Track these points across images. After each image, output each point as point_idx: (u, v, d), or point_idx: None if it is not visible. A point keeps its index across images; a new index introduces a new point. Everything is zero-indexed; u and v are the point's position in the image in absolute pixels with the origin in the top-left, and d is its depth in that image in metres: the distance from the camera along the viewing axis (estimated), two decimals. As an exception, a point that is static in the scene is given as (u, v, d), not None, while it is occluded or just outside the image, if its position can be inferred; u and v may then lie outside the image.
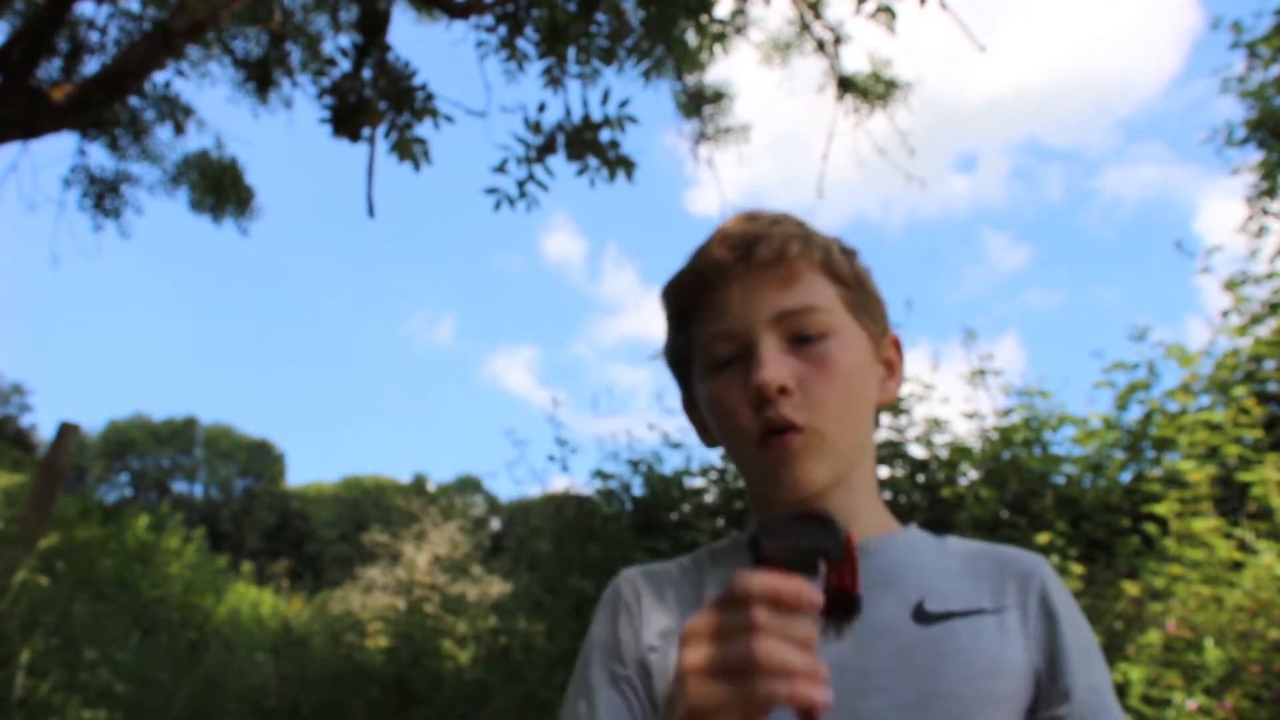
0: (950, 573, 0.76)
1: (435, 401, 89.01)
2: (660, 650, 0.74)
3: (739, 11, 6.96)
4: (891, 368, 0.83)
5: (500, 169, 4.50)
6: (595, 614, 0.81)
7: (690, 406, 0.86)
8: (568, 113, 4.77)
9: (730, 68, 36.90)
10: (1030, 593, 0.75)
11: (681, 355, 0.83)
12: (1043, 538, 3.35)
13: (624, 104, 4.55)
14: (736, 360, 0.75)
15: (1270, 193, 8.37)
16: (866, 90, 6.77)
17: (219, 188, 7.83)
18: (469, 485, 39.73)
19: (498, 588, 6.63)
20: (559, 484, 5.26)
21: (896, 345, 0.84)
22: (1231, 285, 4.06)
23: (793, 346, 0.74)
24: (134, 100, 7.45)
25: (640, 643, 0.75)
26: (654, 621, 0.76)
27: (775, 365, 0.72)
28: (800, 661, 0.49)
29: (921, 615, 0.72)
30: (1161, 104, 79.68)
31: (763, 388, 0.72)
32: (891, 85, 6.80)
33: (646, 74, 5.41)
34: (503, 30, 4.99)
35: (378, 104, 4.81)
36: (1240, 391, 3.54)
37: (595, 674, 0.75)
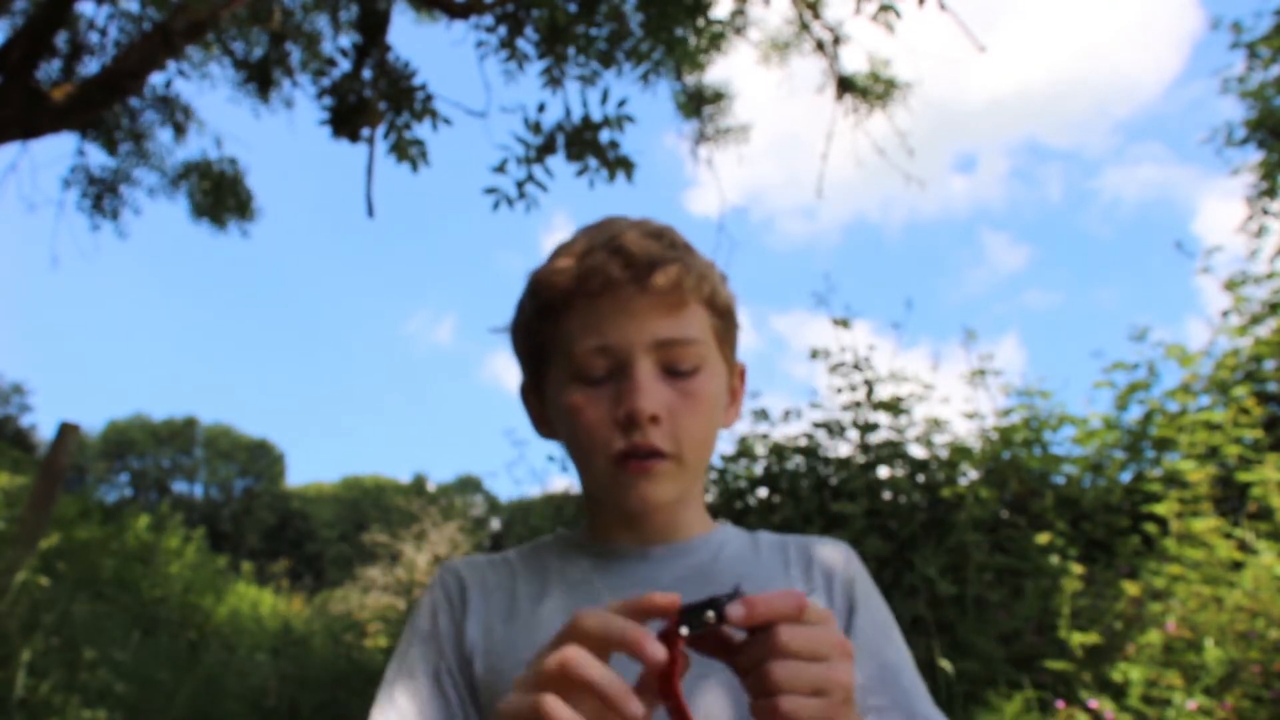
0: (763, 563, 0.81)
1: (435, 401, 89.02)
2: (479, 643, 0.77)
3: (738, 11, 6.96)
4: (734, 395, 0.86)
5: (500, 169, 4.50)
6: (419, 603, 0.83)
7: (531, 392, 0.87)
8: (567, 113, 4.78)
9: (730, 68, 36.90)
10: (835, 577, 0.80)
11: (539, 344, 0.82)
12: (1043, 538, 3.35)
13: (622, 104, 4.55)
14: (607, 377, 0.76)
15: (1270, 193, 8.37)
16: (866, 90, 6.77)
17: (219, 193, 7.83)
18: (469, 485, 39.74)
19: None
20: (559, 484, 5.27)
21: (741, 375, 0.88)
22: (1231, 285, 4.06)
23: (666, 375, 0.76)
24: (134, 101, 7.45)
25: (463, 635, 0.78)
26: (475, 613, 0.79)
27: (651, 394, 0.74)
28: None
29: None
30: (1162, 105, 79.67)
31: (637, 414, 0.73)
32: (891, 85, 6.80)
33: (645, 76, 5.41)
34: (503, 30, 4.99)
35: (377, 104, 4.81)
36: (1240, 391, 3.54)
37: (417, 665, 0.77)
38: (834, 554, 0.82)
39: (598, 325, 0.76)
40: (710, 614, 0.52)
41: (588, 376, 0.77)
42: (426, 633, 0.79)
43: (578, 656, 0.51)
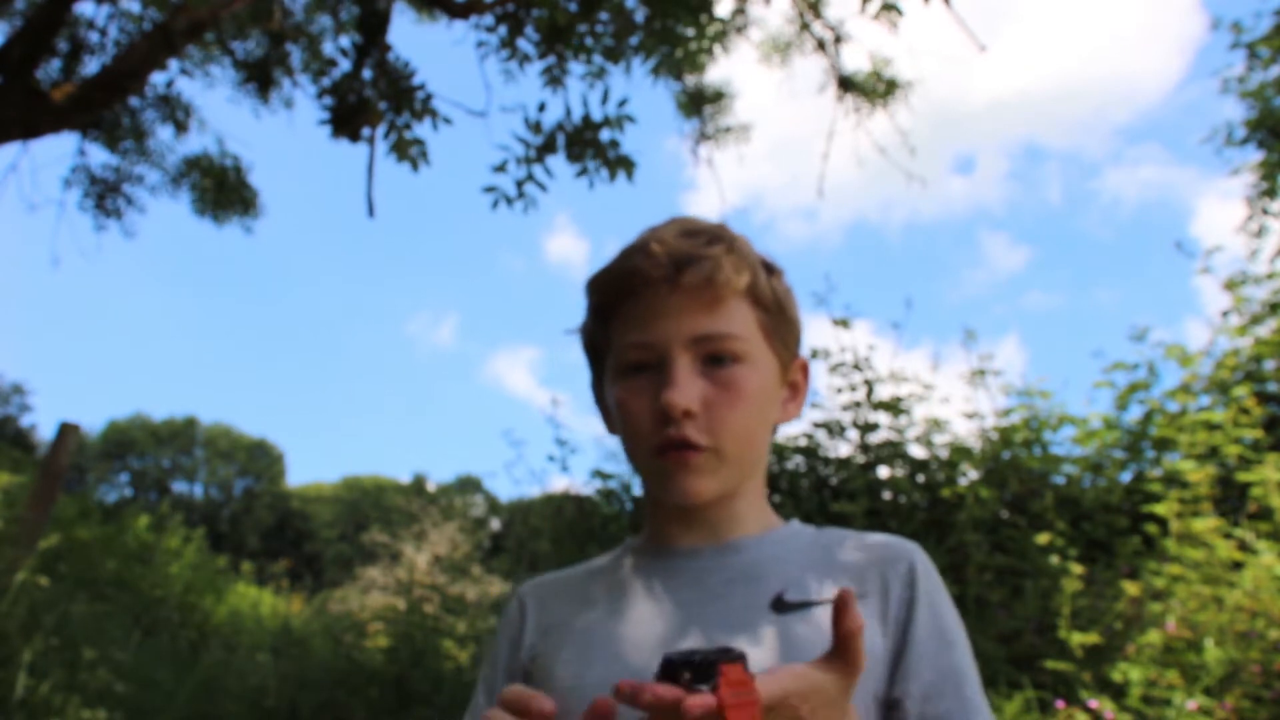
0: (815, 565, 0.80)
1: (436, 402, 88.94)
2: (535, 646, 0.84)
3: (739, 11, 6.96)
4: (796, 389, 0.88)
5: (500, 169, 4.50)
6: (497, 630, 0.91)
7: (598, 390, 0.91)
8: (568, 113, 4.77)
9: (731, 69, 36.91)
10: (894, 579, 0.78)
11: (598, 345, 0.87)
12: (1043, 538, 3.35)
13: (623, 103, 4.55)
14: (649, 370, 0.79)
15: (1270, 193, 8.38)
16: (867, 90, 6.77)
17: (221, 190, 7.82)
18: (469, 485, 39.73)
19: (498, 588, 6.63)
20: (559, 484, 5.27)
21: (804, 369, 0.89)
22: (1231, 285, 4.06)
23: (704, 368, 0.79)
24: (135, 100, 7.45)
25: (519, 647, 0.85)
26: (530, 624, 0.86)
27: (684, 387, 0.76)
28: None
29: (780, 605, 0.76)
30: (1163, 110, 79.57)
31: (669, 408, 0.76)
32: (892, 85, 6.80)
33: (655, 70, 5.39)
34: (503, 30, 4.99)
35: (377, 104, 4.81)
36: (1240, 391, 3.54)
37: (480, 683, 0.87)
38: (895, 552, 0.80)
39: (638, 323, 0.80)
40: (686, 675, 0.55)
41: (631, 372, 0.80)
42: (490, 656, 0.88)
43: None
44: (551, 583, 0.90)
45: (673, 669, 0.56)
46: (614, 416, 0.84)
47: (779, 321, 0.84)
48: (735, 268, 0.79)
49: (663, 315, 0.78)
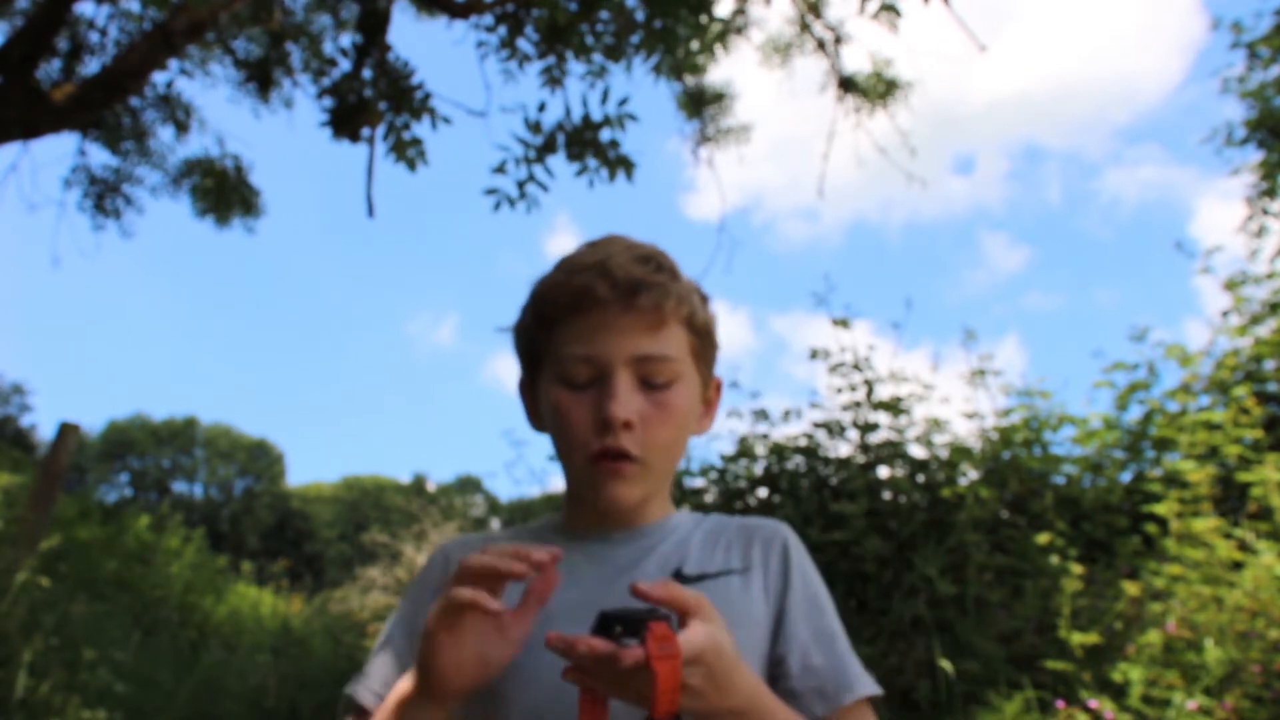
0: (705, 543, 0.92)
1: (435, 402, 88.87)
2: None
3: (739, 11, 6.96)
4: (709, 406, 0.97)
5: (500, 170, 4.50)
6: (409, 584, 0.96)
7: (527, 388, 0.97)
8: (568, 113, 4.77)
9: (731, 70, 36.89)
10: (772, 554, 0.90)
11: (535, 348, 0.92)
12: (1043, 538, 3.35)
13: (623, 103, 4.54)
14: (590, 383, 0.86)
15: (1270, 193, 8.38)
16: (867, 90, 6.77)
17: (222, 190, 7.81)
18: (469, 485, 39.71)
19: (498, 588, 6.62)
20: (558, 484, 5.27)
21: (718, 387, 0.98)
22: (1231, 285, 4.06)
23: (642, 386, 0.86)
24: (135, 100, 7.45)
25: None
26: None
27: (626, 401, 0.84)
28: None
29: (679, 578, 0.86)
30: (1163, 110, 79.47)
31: (611, 419, 0.83)
32: (892, 85, 6.80)
33: (657, 68, 5.37)
34: (503, 30, 4.99)
35: (377, 104, 4.81)
36: (1240, 391, 3.54)
37: (397, 619, 0.92)
38: (771, 530, 0.92)
39: (585, 337, 0.85)
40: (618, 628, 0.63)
41: (573, 382, 0.86)
42: (411, 598, 0.93)
43: (474, 557, 0.70)
44: (477, 544, 0.94)
45: (607, 623, 0.63)
46: (546, 417, 0.90)
47: (706, 345, 0.92)
48: (681, 296, 0.87)
49: (610, 332, 0.85)
